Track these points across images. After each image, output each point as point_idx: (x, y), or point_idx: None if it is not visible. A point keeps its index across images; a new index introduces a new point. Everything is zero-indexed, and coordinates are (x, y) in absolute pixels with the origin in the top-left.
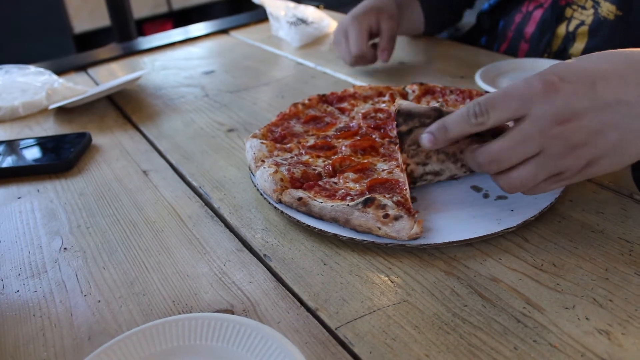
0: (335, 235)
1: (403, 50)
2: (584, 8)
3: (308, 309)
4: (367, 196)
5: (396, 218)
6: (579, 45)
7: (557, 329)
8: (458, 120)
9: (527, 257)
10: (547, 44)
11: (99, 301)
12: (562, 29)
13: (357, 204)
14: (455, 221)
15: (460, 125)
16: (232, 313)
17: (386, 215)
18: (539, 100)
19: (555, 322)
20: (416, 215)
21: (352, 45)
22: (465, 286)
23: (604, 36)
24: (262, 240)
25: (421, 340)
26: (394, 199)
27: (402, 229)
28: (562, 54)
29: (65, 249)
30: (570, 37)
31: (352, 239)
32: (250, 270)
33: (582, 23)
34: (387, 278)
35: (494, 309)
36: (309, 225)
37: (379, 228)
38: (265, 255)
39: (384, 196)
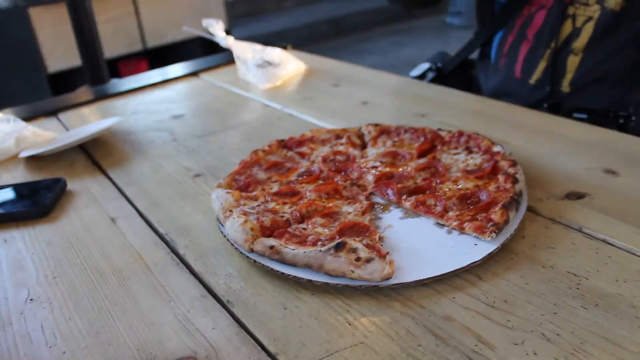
0: (310, 281)
1: (367, 89)
2: (587, 5)
3: (269, 354)
4: (338, 240)
5: (368, 260)
6: (583, 38)
7: None
8: None
9: (479, 294)
10: (550, 40)
11: (64, 352)
12: (567, 26)
13: (329, 249)
14: (417, 260)
15: None
16: None
17: (358, 259)
18: None
19: (505, 358)
20: (387, 257)
21: None
22: (420, 326)
23: (609, 27)
24: (225, 286)
25: None
26: (364, 242)
27: (375, 270)
28: (565, 47)
29: (31, 300)
30: (576, 33)
31: (326, 283)
32: (214, 317)
33: (590, 19)
34: (344, 320)
35: (447, 347)
36: (283, 273)
37: (352, 271)
38: (228, 301)
39: (354, 239)
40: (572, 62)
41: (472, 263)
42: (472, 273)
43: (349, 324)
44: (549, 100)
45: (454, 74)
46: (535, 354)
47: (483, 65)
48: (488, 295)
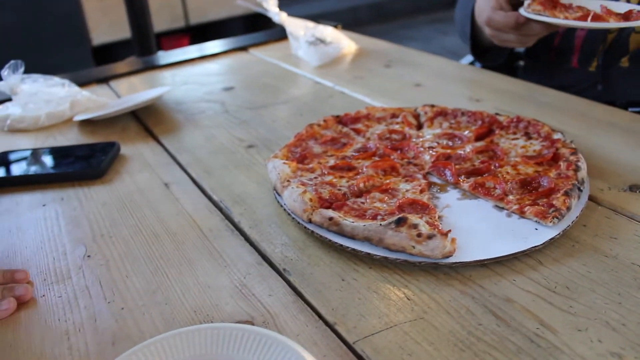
0: (369, 254)
1: (419, 71)
2: None
3: (326, 323)
4: (399, 215)
5: (429, 237)
6: None
7: (570, 350)
8: None
9: (540, 279)
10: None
11: (122, 308)
12: None
13: (390, 223)
14: (476, 240)
15: None
16: (252, 324)
17: (419, 235)
18: None
19: (568, 343)
20: (449, 234)
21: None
22: (480, 305)
23: None
24: (281, 255)
25: (437, 357)
26: (424, 219)
27: (436, 247)
28: (624, 29)
29: (89, 256)
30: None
31: (385, 258)
32: (270, 284)
33: None
34: (403, 295)
35: (508, 328)
36: (341, 245)
37: (413, 247)
38: (284, 269)
39: (415, 216)
40: (635, 39)
41: (533, 247)
42: (533, 257)
43: (408, 299)
44: (603, 82)
45: (499, 66)
46: (600, 341)
47: (530, 62)
48: (549, 280)
